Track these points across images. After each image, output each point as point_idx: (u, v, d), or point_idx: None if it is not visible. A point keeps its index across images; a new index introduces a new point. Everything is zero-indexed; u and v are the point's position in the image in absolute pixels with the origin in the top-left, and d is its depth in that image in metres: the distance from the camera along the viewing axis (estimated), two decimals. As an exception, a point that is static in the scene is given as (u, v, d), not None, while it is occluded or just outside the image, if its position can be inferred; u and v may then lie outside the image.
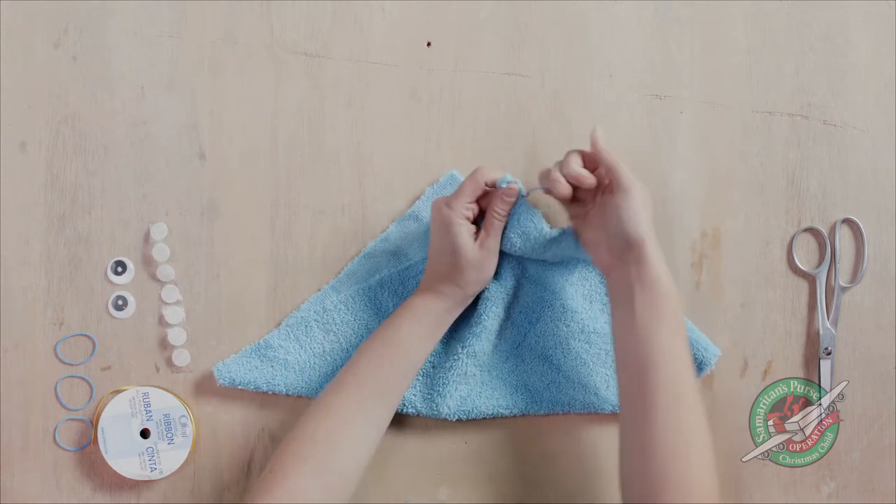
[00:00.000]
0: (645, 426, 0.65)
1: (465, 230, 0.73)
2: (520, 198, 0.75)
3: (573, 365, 0.80)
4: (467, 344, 0.78)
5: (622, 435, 0.67)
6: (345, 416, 0.71)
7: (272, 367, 0.80)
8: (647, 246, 0.69)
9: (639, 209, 0.69)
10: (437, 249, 0.75)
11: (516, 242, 0.75)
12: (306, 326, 0.80)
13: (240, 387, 0.79)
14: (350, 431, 0.71)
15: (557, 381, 0.80)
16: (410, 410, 0.79)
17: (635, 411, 0.66)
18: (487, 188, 0.74)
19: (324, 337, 0.80)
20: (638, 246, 0.69)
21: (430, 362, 0.80)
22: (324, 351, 0.80)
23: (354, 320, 0.80)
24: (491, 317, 0.78)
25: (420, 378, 0.79)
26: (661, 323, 0.67)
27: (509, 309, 0.80)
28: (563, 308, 0.80)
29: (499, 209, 0.74)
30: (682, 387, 0.66)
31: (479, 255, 0.73)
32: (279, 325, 0.81)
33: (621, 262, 0.70)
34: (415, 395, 0.79)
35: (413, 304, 0.75)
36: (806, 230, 0.82)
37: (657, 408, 0.65)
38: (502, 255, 0.77)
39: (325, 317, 0.80)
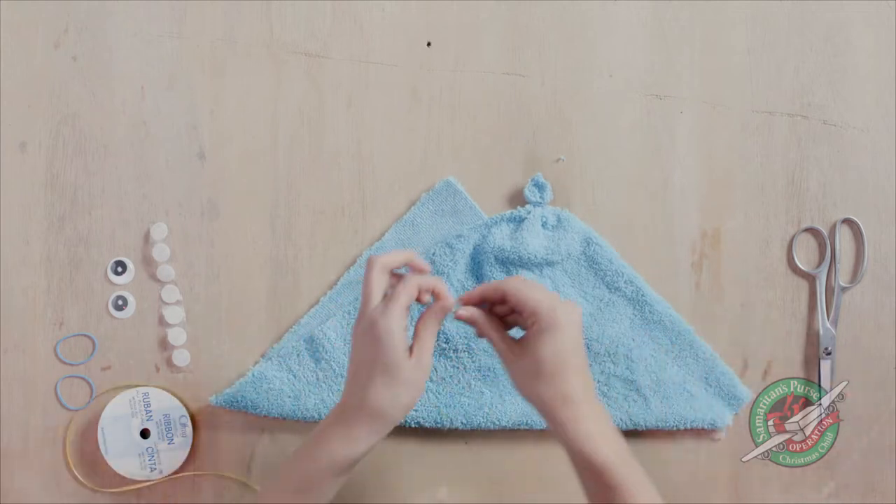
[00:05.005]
0: None
1: (403, 344, 0.63)
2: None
3: None
4: (475, 357, 0.79)
5: None
6: None
7: (268, 398, 0.79)
8: (567, 420, 0.63)
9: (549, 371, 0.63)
10: (367, 372, 0.63)
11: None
12: (298, 355, 0.79)
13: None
14: None
15: None
16: (413, 425, 0.80)
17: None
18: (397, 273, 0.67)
19: (315, 365, 0.79)
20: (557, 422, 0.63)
21: (435, 370, 0.80)
22: (318, 379, 0.79)
23: (345, 344, 0.79)
24: None
25: (426, 393, 0.80)
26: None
27: None
28: (587, 348, 0.80)
29: (434, 326, 0.65)
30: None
31: (414, 371, 0.63)
32: (267, 356, 0.80)
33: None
34: (416, 411, 0.79)
35: (336, 452, 0.64)
36: (806, 230, 0.82)
37: None
38: (519, 268, 0.78)
39: (313, 346, 0.79)
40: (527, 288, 0.64)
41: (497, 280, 0.72)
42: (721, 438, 0.82)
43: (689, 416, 0.79)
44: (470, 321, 0.66)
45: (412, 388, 0.64)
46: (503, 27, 0.82)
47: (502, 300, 0.66)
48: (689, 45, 0.83)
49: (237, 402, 0.79)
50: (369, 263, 0.65)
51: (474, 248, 0.79)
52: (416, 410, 0.79)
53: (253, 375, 0.79)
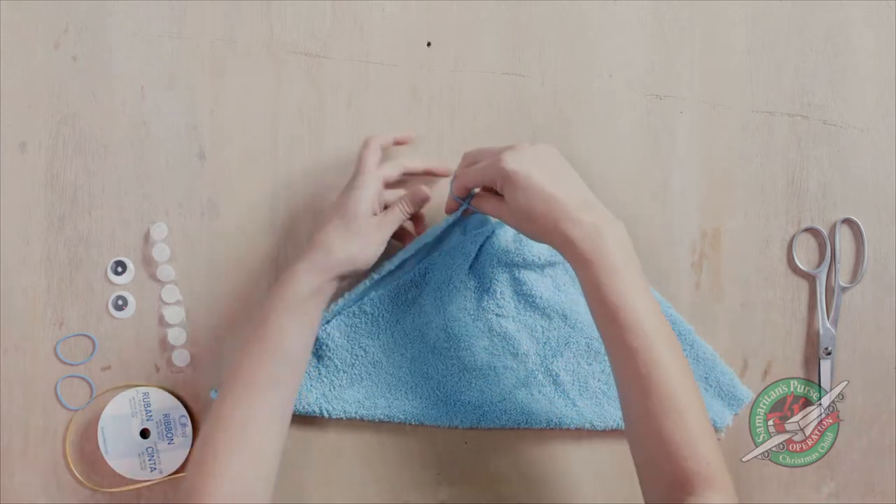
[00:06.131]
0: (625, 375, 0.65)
1: (370, 204, 0.73)
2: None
3: (588, 404, 0.80)
4: (475, 356, 0.79)
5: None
6: (238, 423, 0.68)
7: None
8: (561, 242, 0.67)
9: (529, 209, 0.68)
10: (332, 215, 0.73)
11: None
12: None
13: None
14: (248, 437, 0.68)
15: (570, 415, 0.80)
16: (413, 423, 0.80)
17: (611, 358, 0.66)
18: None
19: (318, 361, 0.79)
20: (555, 242, 0.68)
21: (435, 369, 0.80)
22: (319, 374, 0.79)
23: (348, 342, 0.79)
24: (522, 344, 0.79)
25: (430, 389, 0.80)
26: (613, 285, 0.65)
27: (531, 338, 0.80)
28: (588, 348, 0.80)
29: (407, 207, 0.75)
30: (648, 325, 0.64)
31: (370, 231, 0.73)
32: None
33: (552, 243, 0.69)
34: (417, 410, 0.79)
35: (283, 292, 0.71)
36: (806, 230, 0.82)
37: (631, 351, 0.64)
38: (534, 281, 0.78)
39: (316, 343, 0.78)
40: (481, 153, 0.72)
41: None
42: (721, 438, 0.82)
43: None
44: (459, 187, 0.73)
45: (365, 241, 0.72)
46: (503, 27, 0.82)
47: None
48: (689, 45, 0.83)
49: None
50: (367, 141, 0.77)
51: (478, 250, 0.79)
52: (416, 409, 0.79)
53: None
